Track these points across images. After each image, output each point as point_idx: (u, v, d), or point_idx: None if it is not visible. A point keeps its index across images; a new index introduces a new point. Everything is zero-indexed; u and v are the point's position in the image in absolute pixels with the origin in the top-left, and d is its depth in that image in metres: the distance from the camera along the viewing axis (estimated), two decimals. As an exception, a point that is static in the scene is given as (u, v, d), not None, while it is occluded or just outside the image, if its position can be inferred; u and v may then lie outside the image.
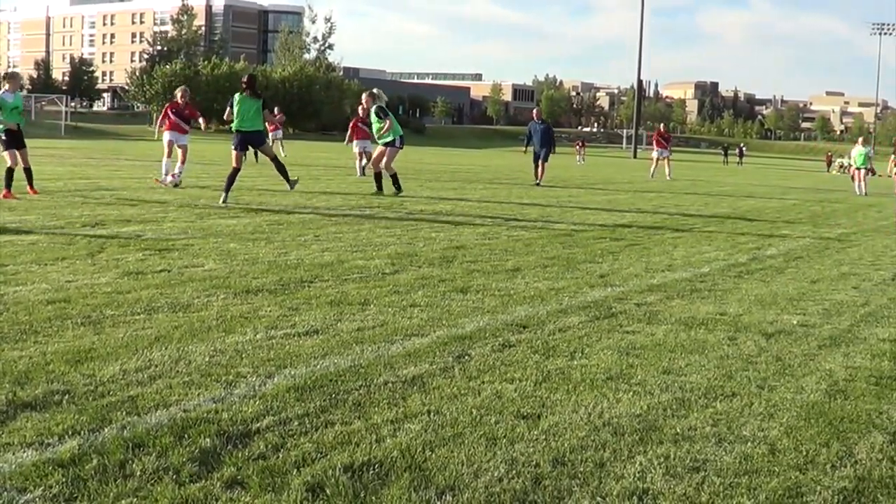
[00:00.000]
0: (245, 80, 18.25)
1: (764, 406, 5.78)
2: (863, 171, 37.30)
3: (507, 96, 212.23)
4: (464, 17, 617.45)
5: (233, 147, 18.28)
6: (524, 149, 29.73)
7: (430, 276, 9.93)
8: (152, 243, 11.41)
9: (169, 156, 21.89)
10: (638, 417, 5.40)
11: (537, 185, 28.23)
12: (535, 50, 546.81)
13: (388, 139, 20.60)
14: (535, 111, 31.60)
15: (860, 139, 40.79)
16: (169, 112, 22.16)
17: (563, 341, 7.25)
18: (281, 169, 18.80)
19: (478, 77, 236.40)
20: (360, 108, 32.19)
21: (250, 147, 20.03)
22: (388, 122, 20.57)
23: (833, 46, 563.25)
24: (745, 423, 5.40)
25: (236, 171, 17.72)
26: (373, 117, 20.84)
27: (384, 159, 20.74)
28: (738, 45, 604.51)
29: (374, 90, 21.51)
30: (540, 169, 28.66)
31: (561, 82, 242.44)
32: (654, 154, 42.06)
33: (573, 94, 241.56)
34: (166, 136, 22.12)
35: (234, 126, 17.99)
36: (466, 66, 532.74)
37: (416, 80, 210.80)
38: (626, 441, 5.00)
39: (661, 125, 48.17)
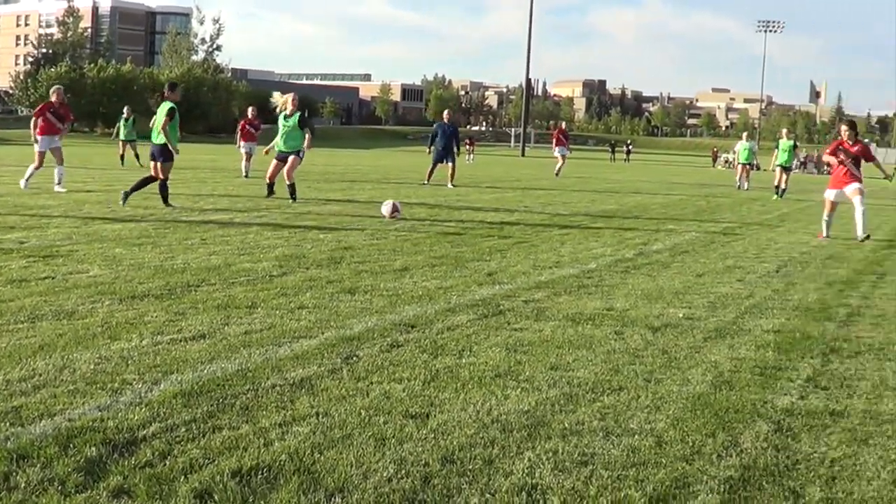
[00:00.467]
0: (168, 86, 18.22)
1: (651, 399, 5.85)
2: (747, 166, 38.05)
3: (396, 96, 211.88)
4: (358, 18, 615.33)
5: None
6: (428, 149, 29.58)
7: (318, 277, 9.87)
8: (36, 250, 11.14)
9: (39, 166, 21.21)
10: (526, 414, 5.42)
11: (424, 184, 28.17)
12: (427, 50, 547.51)
13: (297, 147, 20.05)
14: (445, 113, 31.48)
15: (744, 134, 41.51)
16: (46, 112, 21.51)
17: (451, 340, 7.26)
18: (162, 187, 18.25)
19: (367, 77, 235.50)
20: (249, 109, 31.97)
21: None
22: (309, 133, 20.13)
23: (721, 44, 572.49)
24: (633, 416, 5.46)
25: (154, 178, 17.43)
26: (293, 121, 20.05)
27: (292, 167, 20.07)
28: (630, 44, 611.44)
29: (293, 94, 20.94)
30: (451, 170, 28.51)
31: (450, 82, 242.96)
32: (557, 153, 42.35)
33: (462, 93, 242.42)
34: (40, 143, 21.33)
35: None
36: (359, 66, 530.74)
37: (305, 82, 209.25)
38: (514, 437, 5.01)
39: (563, 123, 48.80)
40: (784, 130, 33.87)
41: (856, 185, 17.00)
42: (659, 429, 5.26)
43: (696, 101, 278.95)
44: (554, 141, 43.73)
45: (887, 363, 7.26)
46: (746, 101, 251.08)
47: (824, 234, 17.15)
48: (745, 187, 36.59)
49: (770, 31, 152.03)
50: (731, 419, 5.52)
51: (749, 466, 4.75)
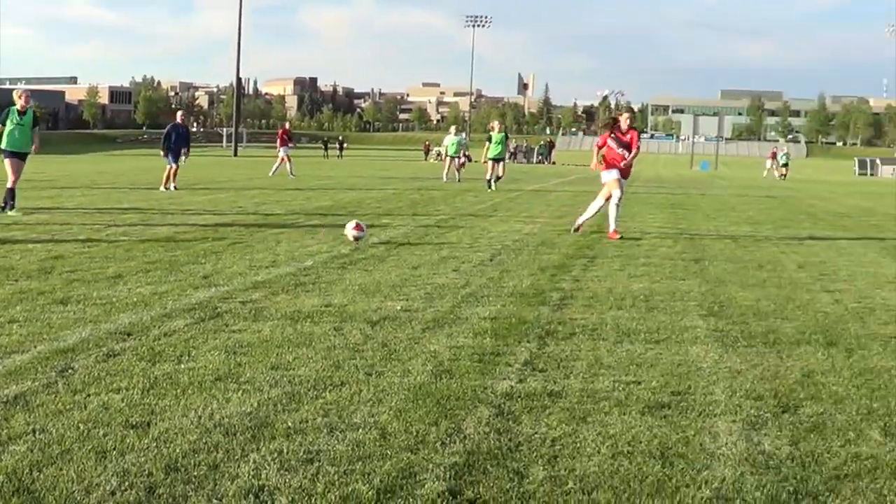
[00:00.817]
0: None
1: (373, 392, 5.83)
2: (457, 160, 38.78)
3: (105, 99, 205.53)
4: (62, 20, 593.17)
5: None
6: (163, 151, 28.43)
7: (28, 289, 9.37)
8: None
9: None
10: (249, 416, 5.30)
11: (173, 188, 27.11)
12: (135, 51, 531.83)
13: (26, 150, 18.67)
14: (179, 114, 30.54)
15: (452, 128, 42.34)
16: None
17: (169, 346, 7.04)
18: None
19: (73, 80, 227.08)
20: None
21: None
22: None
23: (431, 39, 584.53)
24: (356, 411, 5.42)
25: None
26: (28, 120, 18.55)
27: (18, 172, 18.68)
28: (340, 41, 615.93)
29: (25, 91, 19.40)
30: (174, 172, 27.54)
31: (159, 83, 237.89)
32: (281, 152, 41.91)
33: (172, 94, 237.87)
34: None
35: None
36: (64, 69, 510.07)
37: (7, 86, 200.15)
38: (238, 440, 4.89)
39: (287, 124, 48.67)
40: (496, 123, 34.55)
41: (620, 176, 16.28)
42: (382, 421, 5.24)
43: (408, 96, 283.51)
44: (279, 141, 43.40)
45: (601, 342, 7.52)
46: (457, 94, 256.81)
47: (613, 228, 16.08)
48: (458, 179, 37.31)
49: (478, 25, 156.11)
50: (452, 406, 5.56)
51: (473, 452, 4.79)
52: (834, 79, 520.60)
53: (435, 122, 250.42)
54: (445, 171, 38.69)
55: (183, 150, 28.36)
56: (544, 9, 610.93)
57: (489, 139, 32.69)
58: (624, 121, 16.65)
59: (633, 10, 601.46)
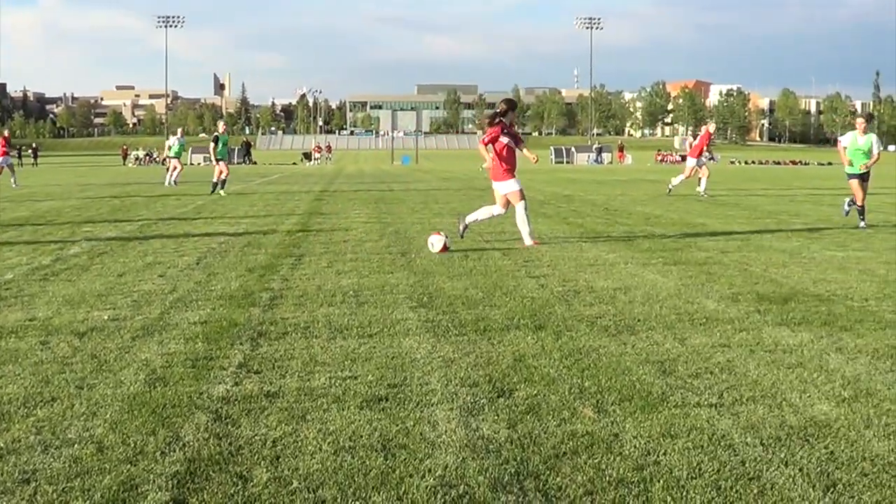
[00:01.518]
0: None
1: (86, 405, 5.69)
2: (178, 162, 38.01)
3: None
4: None
5: None
6: None
7: None
8: None
9: None
10: (-46, 439, 5.08)
11: None
12: None
13: None
14: None
15: (179, 130, 41.64)
16: None
17: None
18: None
19: None
20: None
21: None
22: None
23: (124, 41, 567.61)
24: (70, 426, 5.28)
25: None
26: None
27: None
28: (30, 45, 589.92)
29: None
30: None
31: None
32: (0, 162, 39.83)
33: None
34: None
35: None
36: None
37: None
38: (-56, 466, 4.68)
39: (6, 131, 46.33)
40: (220, 123, 33.92)
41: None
42: (99, 434, 5.13)
43: (102, 99, 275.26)
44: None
45: (314, 340, 7.59)
46: (152, 96, 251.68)
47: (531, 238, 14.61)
48: (174, 182, 36.63)
49: (171, 25, 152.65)
50: (169, 414, 5.50)
51: (194, 459, 4.76)
52: (527, 71, 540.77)
53: (131, 125, 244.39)
54: (170, 173, 37.60)
55: None
56: (235, 8, 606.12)
57: (215, 140, 31.67)
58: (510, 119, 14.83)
59: (325, 7, 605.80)
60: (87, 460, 4.74)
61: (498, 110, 14.87)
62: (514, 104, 15.43)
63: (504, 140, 14.60)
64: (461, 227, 15.25)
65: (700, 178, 29.77)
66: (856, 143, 18.10)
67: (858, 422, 5.41)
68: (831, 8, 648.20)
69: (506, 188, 14.70)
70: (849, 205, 18.99)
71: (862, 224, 17.92)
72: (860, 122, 18.76)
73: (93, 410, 5.60)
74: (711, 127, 32.53)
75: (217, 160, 30.60)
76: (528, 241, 14.46)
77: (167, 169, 39.06)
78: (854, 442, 5.05)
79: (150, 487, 4.39)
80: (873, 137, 18.25)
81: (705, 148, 30.31)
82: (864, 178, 18.18)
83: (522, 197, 14.68)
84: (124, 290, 10.10)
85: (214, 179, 30.58)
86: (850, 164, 18.22)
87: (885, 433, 5.20)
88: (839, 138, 19.18)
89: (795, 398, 5.90)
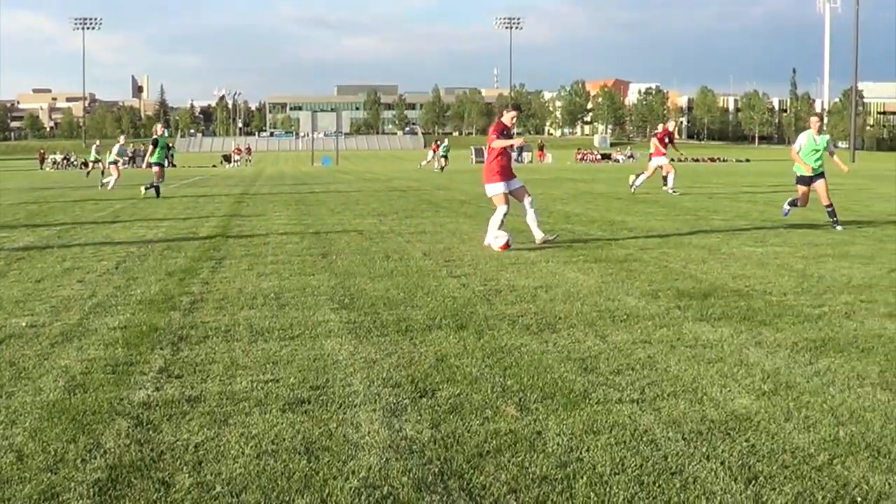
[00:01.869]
0: None
1: (4, 414, 5.62)
2: (114, 167, 37.62)
3: None
4: None
5: None
6: None
7: None
8: None
9: None
10: None
11: None
12: None
13: None
14: None
15: (122, 137, 41.36)
16: None
17: None
18: None
19: None
20: None
21: None
22: None
23: (40, 43, 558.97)
24: (-11, 435, 5.21)
25: None
26: None
27: None
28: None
29: None
30: None
31: None
32: None
33: None
34: None
35: None
36: None
37: None
38: None
39: None
40: (159, 126, 33.55)
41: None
42: (18, 443, 5.06)
43: (18, 103, 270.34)
44: None
45: (236, 343, 7.55)
46: (69, 99, 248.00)
47: (507, 240, 14.15)
48: (110, 185, 36.30)
49: (87, 28, 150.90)
50: (90, 421, 5.44)
51: (115, 466, 4.72)
52: (448, 71, 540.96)
53: (48, 129, 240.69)
54: (115, 178, 37.15)
55: None
56: (153, 9, 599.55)
57: (154, 143, 31.15)
58: (510, 119, 14.91)
59: (244, 8, 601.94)
60: (6, 469, 4.68)
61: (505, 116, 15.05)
62: (517, 106, 16.05)
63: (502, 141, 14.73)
64: (498, 245, 14.11)
65: (665, 177, 30.16)
66: (813, 142, 17.98)
67: (778, 415, 5.52)
68: (746, 6, 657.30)
69: (490, 191, 14.98)
70: (790, 204, 18.95)
71: (838, 227, 17.08)
72: (815, 120, 18.57)
73: (12, 419, 5.53)
74: (670, 125, 32.62)
75: (151, 164, 30.39)
76: (487, 241, 14.47)
77: (101, 172, 38.62)
78: (774, 435, 5.15)
79: (71, 496, 4.34)
80: (827, 136, 18.26)
81: (669, 145, 30.41)
82: (821, 176, 17.80)
83: (506, 202, 14.65)
84: (42, 296, 9.96)
85: (155, 182, 30.18)
86: (804, 165, 17.87)
87: (804, 426, 5.31)
88: (793, 145, 18.93)
89: (716, 392, 6.00)
